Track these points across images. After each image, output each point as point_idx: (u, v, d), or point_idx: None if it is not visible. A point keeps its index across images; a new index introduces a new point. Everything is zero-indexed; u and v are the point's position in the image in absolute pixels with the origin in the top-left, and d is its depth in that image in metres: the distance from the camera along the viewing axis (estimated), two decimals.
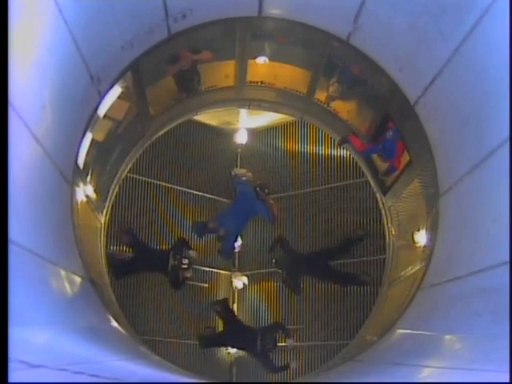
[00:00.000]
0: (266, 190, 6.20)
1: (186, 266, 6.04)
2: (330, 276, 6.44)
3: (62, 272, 3.43)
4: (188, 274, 6.20)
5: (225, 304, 6.34)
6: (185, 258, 6.04)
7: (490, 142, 3.09)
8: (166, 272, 6.17)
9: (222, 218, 6.30)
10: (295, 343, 6.37)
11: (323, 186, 6.95)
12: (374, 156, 6.04)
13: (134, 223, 6.51)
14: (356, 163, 6.60)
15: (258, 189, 6.15)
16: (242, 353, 6.64)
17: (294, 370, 6.27)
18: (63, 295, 3.35)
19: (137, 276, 6.36)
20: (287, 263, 6.41)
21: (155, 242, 6.60)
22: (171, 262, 6.02)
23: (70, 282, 3.59)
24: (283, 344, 6.59)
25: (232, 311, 6.49)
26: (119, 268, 6.02)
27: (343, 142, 6.34)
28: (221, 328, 6.41)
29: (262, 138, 7.40)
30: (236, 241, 6.58)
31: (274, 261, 6.49)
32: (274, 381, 6.57)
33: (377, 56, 4.52)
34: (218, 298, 6.62)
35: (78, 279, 3.83)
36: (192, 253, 6.22)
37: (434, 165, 4.33)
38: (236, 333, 6.12)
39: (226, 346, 6.58)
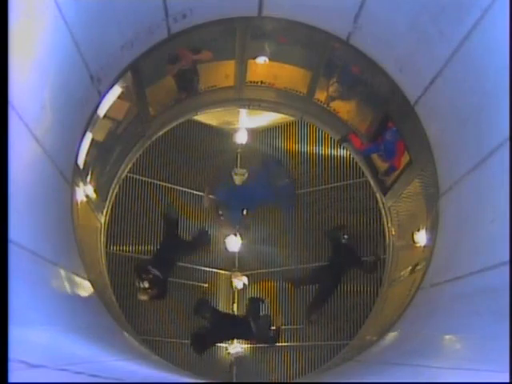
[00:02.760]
0: None
1: (147, 286, 5.79)
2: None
3: (62, 272, 3.43)
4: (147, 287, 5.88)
5: (207, 304, 6.33)
6: (144, 280, 5.75)
7: (490, 142, 3.09)
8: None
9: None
10: (283, 326, 6.56)
11: (323, 186, 6.94)
12: (374, 156, 6.04)
13: (134, 223, 6.51)
14: (356, 163, 6.60)
15: None
16: (241, 353, 6.64)
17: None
18: (63, 295, 3.35)
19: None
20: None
21: (155, 242, 6.60)
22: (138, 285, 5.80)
23: (70, 282, 3.59)
24: (283, 344, 6.62)
25: (216, 308, 6.48)
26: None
27: (343, 141, 6.35)
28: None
29: (261, 138, 7.40)
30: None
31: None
32: (273, 381, 6.58)
33: (377, 56, 4.52)
34: (196, 305, 6.39)
35: (77, 279, 3.83)
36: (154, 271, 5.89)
37: (434, 165, 4.33)
38: (227, 325, 6.12)
39: (221, 340, 6.49)
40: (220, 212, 6.72)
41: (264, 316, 6.20)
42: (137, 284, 5.72)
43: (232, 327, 6.12)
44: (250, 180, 6.93)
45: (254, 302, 6.31)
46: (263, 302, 6.38)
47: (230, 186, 6.87)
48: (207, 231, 6.72)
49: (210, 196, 6.79)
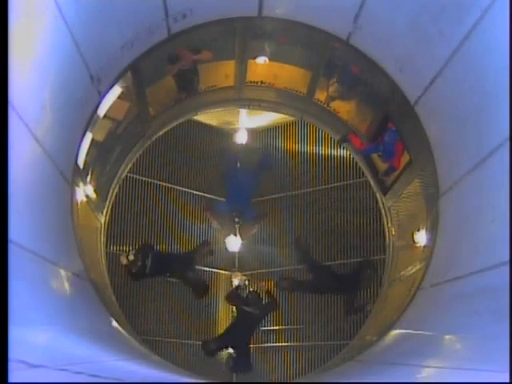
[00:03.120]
0: None
1: (131, 259, 6.00)
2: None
3: (62, 272, 3.43)
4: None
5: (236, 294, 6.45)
6: (134, 254, 6.00)
7: (489, 142, 3.09)
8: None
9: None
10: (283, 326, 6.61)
11: (323, 186, 6.95)
12: (374, 156, 6.04)
13: (134, 223, 6.51)
14: (356, 163, 6.60)
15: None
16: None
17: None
18: (63, 295, 3.35)
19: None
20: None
21: (155, 242, 6.60)
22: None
23: (70, 282, 3.59)
24: (283, 344, 6.62)
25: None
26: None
27: (343, 141, 6.35)
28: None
29: (262, 138, 7.40)
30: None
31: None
32: (273, 381, 6.58)
33: (377, 56, 4.52)
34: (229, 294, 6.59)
35: (78, 279, 3.83)
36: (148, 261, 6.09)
37: (434, 165, 4.33)
38: (244, 321, 6.18)
39: (231, 344, 6.38)
40: (236, 219, 6.79)
41: (252, 295, 6.30)
42: (128, 252, 6.00)
43: (246, 323, 6.18)
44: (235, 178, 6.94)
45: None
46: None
47: (226, 193, 6.90)
48: (206, 285, 6.71)
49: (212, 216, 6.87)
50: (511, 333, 2.20)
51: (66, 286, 3.50)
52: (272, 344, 6.76)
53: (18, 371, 1.72)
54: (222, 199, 7.08)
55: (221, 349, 6.22)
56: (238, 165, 6.98)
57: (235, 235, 6.98)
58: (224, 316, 6.62)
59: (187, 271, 6.37)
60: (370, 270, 6.27)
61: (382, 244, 6.20)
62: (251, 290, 6.57)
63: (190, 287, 6.53)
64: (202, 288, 6.53)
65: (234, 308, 6.54)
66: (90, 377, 2.18)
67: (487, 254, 3.02)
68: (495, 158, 3.04)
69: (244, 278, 6.81)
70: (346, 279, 6.32)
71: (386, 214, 6.10)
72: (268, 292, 6.40)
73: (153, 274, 6.17)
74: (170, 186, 6.91)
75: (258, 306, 6.16)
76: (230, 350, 6.37)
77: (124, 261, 5.99)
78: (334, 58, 5.25)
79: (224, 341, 6.20)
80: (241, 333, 6.13)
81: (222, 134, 7.40)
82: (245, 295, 6.47)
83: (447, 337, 3.12)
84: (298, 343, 6.65)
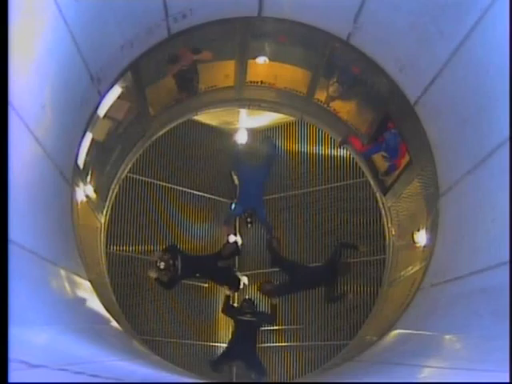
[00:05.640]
0: None
1: (162, 267, 5.77)
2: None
3: (62, 272, 3.43)
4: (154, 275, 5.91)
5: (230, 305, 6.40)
6: (163, 261, 5.74)
7: (489, 142, 3.09)
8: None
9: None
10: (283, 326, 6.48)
11: (323, 186, 6.95)
12: (375, 156, 6.03)
13: (134, 223, 6.51)
14: (356, 163, 6.60)
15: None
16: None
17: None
18: (63, 295, 3.35)
19: (137, 276, 6.37)
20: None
21: (155, 242, 6.60)
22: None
23: (70, 282, 3.58)
24: (283, 344, 6.62)
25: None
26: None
27: (343, 143, 6.35)
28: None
29: (262, 138, 7.40)
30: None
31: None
32: (273, 381, 6.58)
33: (377, 56, 4.52)
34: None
35: (78, 279, 3.83)
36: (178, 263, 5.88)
37: (434, 165, 4.33)
38: (244, 331, 6.11)
39: (239, 357, 6.24)
40: (249, 220, 6.71)
41: (246, 303, 6.23)
42: (156, 259, 5.75)
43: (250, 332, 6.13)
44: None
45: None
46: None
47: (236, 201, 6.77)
48: (238, 283, 6.64)
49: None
50: (511, 333, 2.20)
51: (66, 285, 3.50)
52: (272, 344, 6.76)
53: (18, 371, 1.72)
54: (223, 200, 7.07)
55: (228, 366, 6.19)
56: (247, 161, 6.90)
57: (235, 235, 6.99)
58: (224, 316, 6.60)
59: (216, 268, 6.25)
60: (347, 249, 6.31)
61: (382, 244, 6.20)
62: (246, 297, 6.52)
63: (223, 283, 6.48)
64: (234, 280, 6.49)
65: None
66: (90, 377, 2.18)
67: (487, 254, 3.02)
68: (495, 158, 3.04)
69: (244, 277, 6.81)
70: (322, 270, 6.28)
71: (386, 214, 6.10)
72: (272, 304, 6.25)
73: (184, 277, 6.02)
74: (170, 185, 6.91)
75: (254, 314, 6.08)
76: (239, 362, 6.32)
77: (154, 274, 5.79)
78: (333, 58, 5.25)
79: (230, 356, 6.13)
80: (244, 343, 6.03)
81: (222, 134, 7.40)
82: (239, 305, 6.42)
83: (447, 337, 3.12)
84: (298, 343, 6.65)
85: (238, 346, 6.03)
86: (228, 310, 6.26)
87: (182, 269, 5.77)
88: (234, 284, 6.47)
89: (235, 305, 6.62)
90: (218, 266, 6.26)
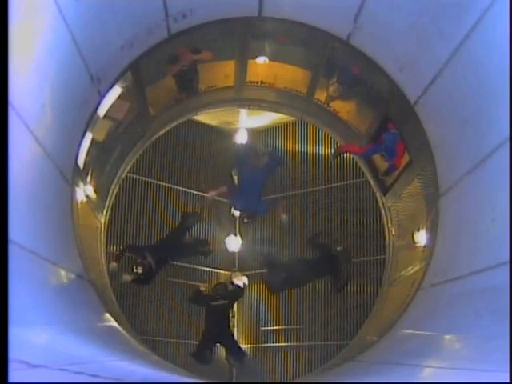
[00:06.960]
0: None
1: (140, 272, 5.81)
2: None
3: (62, 272, 3.43)
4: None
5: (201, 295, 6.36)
6: (139, 266, 5.77)
7: (489, 142, 3.09)
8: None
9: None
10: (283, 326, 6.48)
11: (323, 186, 6.95)
12: (374, 156, 6.04)
13: (134, 223, 6.51)
14: (356, 163, 6.61)
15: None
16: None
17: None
18: (63, 295, 3.35)
19: None
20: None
21: (155, 241, 6.59)
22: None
23: (70, 282, 3.59)
24: (283, 344, 6.61)
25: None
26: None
27: (337, 155, 6.41)
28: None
29: (262, 138, 7.40)
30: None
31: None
32: (273, 381, 6.58)
33: (377, 56, 4.52)
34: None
35: (78, 279, 3.83)
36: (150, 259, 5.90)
37: (434, 165, 4.33)
38: (216, 315, 6.12)
39: (216, 341, 6.27)
40: (245, 220, 6.83)
41: (219, 287, 6.21)
42: (133, 267, 5.78)
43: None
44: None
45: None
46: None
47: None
48: (209, 244, 6.71)
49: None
50: (511, 333, 2.20)
51: (66, 285, 3.50)
52: (272, 344, 6.76)
53: (18, 371, 1.72)
54: (223, 200, 7.06)
55: (210, 351, 6.13)
56: (247, 162, 6.88)
57: (235, 235, 6.98)
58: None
59: (183, 243, 6.32)
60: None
61: (382, 244, 6.20)
62: (217, 282, 6.49)
63: (197, 253, 6.56)
64: (203, 247, 6.56)
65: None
66: (90, 377, 2.18)
67: (487, 254, 3.02)
68: (495, 158, 3.04)
69: (244, 277, 6.81)
70: (321, 261, 6.33)
71: (386, 214, 6.10)
72: (231, 283, 6.38)
73: (159, 269, 6.05)
74: (170, 185, 6.90)
75: (225, 296, 6.10)
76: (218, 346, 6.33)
77: (129, 277, 5.84)
78: (334, 58, 5.25)
79: (208, 342, 6.11)
80: (219, 326, 6.08)
81: (222, 134, 7.39)
82: (210, 291, 6.41)
83: (447, 337, 3.12)
84: (298, 343, 6.65)
85: (213, 330, 6.05)
86: (198, 299, 6.24)
87: (154, 262, 5.84)
88: (205, 250, 6.53)
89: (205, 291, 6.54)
90: (185, 242, 6.34)
